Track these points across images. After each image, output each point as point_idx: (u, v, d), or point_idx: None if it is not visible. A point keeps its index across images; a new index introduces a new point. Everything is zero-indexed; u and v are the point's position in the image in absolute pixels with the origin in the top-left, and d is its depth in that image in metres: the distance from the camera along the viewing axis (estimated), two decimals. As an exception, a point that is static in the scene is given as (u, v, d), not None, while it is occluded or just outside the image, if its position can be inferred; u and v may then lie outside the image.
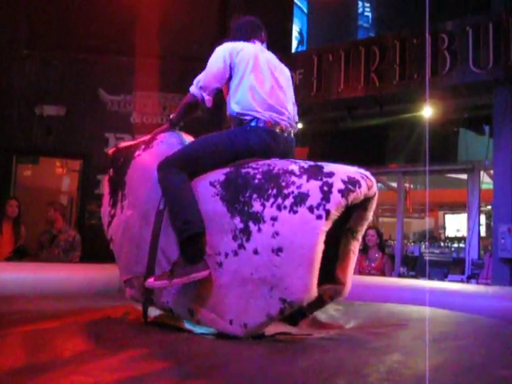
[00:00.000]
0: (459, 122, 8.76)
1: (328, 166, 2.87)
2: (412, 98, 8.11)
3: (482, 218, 9.38)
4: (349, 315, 3.75)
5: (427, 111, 8.16)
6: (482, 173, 8.72)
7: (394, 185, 10.09)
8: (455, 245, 10.52)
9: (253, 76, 3.22)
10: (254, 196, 2.86)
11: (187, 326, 3.17)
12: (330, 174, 2.77)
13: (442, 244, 10.85)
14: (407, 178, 9.94)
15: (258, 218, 2.80)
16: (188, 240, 2.89)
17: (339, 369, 2.24)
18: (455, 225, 10.84)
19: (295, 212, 2.71)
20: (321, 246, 2.66)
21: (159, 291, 3.10)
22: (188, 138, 3.48)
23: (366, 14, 16.20)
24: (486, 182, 8.65)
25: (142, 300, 3.24)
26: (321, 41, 12.23)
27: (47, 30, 9.09)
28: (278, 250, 2.70)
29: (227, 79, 3.29)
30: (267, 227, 2.76)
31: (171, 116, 3.54)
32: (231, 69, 3.26)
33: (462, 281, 7.82)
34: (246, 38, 3.42)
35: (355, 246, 3.09)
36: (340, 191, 2.69)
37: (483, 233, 9.58)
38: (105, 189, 3.65)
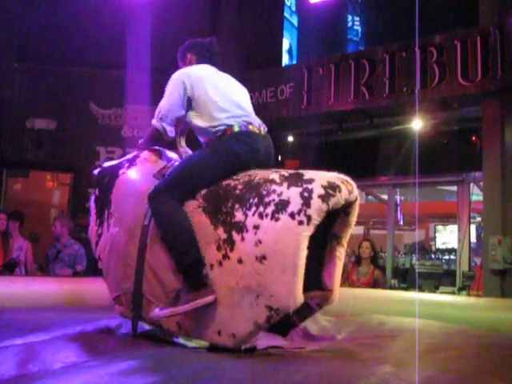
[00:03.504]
0: (449, 135, 8.81)
1: (308, 173, 2.89)
2: (402, 110, 8.17)
3: (473, 230, 9.40)
4: (340, 326, 3.74)
5: (417, 124, 8.22)
6: (471, 185, 8.76)
7: (385, 197, 10.13)
8: (446, 257, 10.54)
9: (210, 89, 3.25)
10: (236, 206, 2.88)
11: (179, 340, 3.17)
12: (310, 181, 2.79)
13: (432, 256, 10.88)
14: (397, 190, 9.99)
15: (240, 228, 2.82)
16: (188, 268, 2.89)
17: (332, 381, 2.24)
18: (446, 237, 10.87)
19: (277, 219, 2.73)
20: (304, 252, 2.66)
21: (148, 306, 3.08)
22: (171, 154, 3.50)
23: (355, 27, 16.31)
24: (476, 193, 8.69)
25: (130, 316, 3.22)
26: (311, 54, 12.28)
27: (38, 43, 9.10)
28: (261, 258, 2.71)
29: (188, 105, 3.30)
30: (250, 236, 2.78)
31: (140, 142, 3.56)
32: (189, 94, 3.27)
33: (452, 292, 7.84)
34: (201, 61, 3.48)
35: (341, 252, 3.07)
36: (320, 196, 2.70)
37: (474, 244, 9.61)
38: (91, 209, 3.64)
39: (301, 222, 2.67)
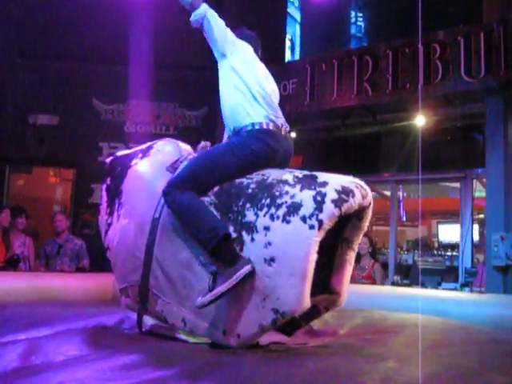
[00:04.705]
0: (452, 131, 8.79)
1: (322, 176, 2.86)
2: (405, 107, 8.15)
3: (475, 226, 9.38)
4: (343, 321, 3.75)
5: (420, 120, 8.19)
6: (474, 181, 8.74)
7: (388, 193, 10.11)
8: (448, 253, 10.52)
9: (242, 72, 3.20)
10: (248, 205, 2.85)
11: (181, 336, 3.17)
12: (324, 184, 2.77)
13: (435, 252, 10.86)
14: (400, 186, 9.97)
15: (251, 228, 2.79)
16: (217, 246, 2.82)
17: (334, 376, 2.24)
18: (448, 233, 10.84)
19: (288, 222, 2.71)
20: (313, 257, 2.65)
21: (154, 301, 3.08)
22: (184, 147, 3.46)
23: (358, 23, 16.26)
24: (479, 190, 8.67)
25: (136, 309, 3.22)
26: (314, 50, 12.26)
27: (40, 39, 9.10)
28: (270, 260, 2.69)
29: (217, 45, 3.24)
30: (260, 237, 2.76)
31: None
32: (223, 45, 3.23)
33: (455, 289, 7.82)
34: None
35: (351, 256, 3.07)
36: (333, 201, 2.68)
37: (476, 241, 9.59)
38: (102, 198, 3.61)
39: (312, 227, 2.66)
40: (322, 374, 2.29)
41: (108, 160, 3.66)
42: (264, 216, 2.78)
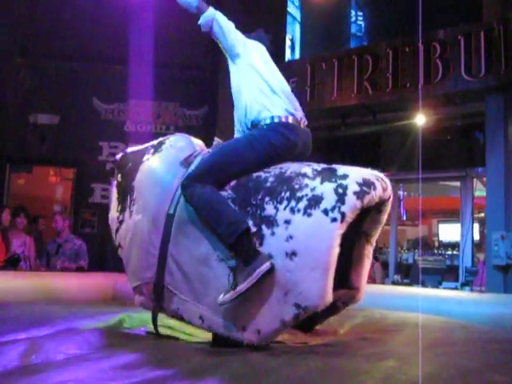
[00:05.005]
0: (452, 130, 8.79)
1: (341, 169, 2.83)
2: (405, 106, 8.16)
3: (476, 225, 9.39)
4: (343, 321, 3.75)
5: (420, 119, 8.20)
6: (475, 180, 8.75)
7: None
8: (449, 252, 10.52)
9: (260, 67, 3.19)
10: (267, 199, 2.81)
11: (183, 336, 3.17)
12: (344, 177, 2.73)
13: (435, 251, 10.87)
14: (400, 185, 9.98)
15: (271, 222, 2.75)
16: (238, 241, 2.76)
17: (334, 376, 2.24)
18: (449, 232, 10.85)
19: (309, 215, 2.67)
20: (336, 250, 2.61)
21: (169, 298, 3.02)
22: (197, 142, 3.41)
23: (358, 22, 16.25)
24: (479, 189, 8.68)
25: (151, 307, 3.16)
26: (314, 49, 12.25)
27: (41, 38, 9.10)
28: (292, 254, 2.65)
29: (227, 44, 3.22)
30: (281, 231, 2.71)
31: None
32: (235, 45, 3.21)
33: (455, 288, 7.84)
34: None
35: (369, 251, 3.03)
36: (355, 193, 2.65)
37: (477, 240, 9.60)
38: (112, 194, 3.54)
39: (334, 219, 2.62)
40: (323, 373, 2.29)
41: (118, 156, 3.56)
42: (284, 209, 2.73)
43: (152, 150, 3.36)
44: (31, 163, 9.69)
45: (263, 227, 2.76)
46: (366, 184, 2.70)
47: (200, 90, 8.92)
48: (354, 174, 2.75)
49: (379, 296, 4.96)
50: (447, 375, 2.28)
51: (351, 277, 2.98)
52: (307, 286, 2.60)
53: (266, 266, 2.65)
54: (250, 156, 3.01)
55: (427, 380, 2.10)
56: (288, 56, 12.46)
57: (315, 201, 2.68)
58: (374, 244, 3.07)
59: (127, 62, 8.66)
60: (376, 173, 2.85)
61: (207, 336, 3.11)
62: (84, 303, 4.71)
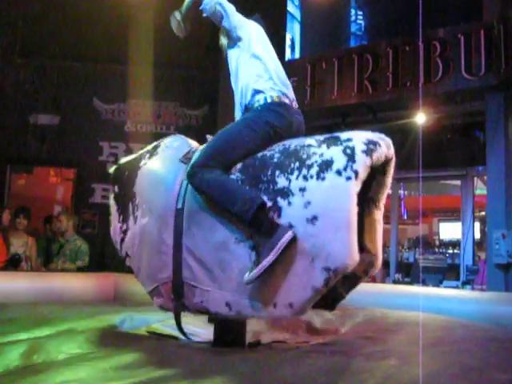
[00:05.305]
0: (452, 129, 8.79)
1: (344, 134, 2.86)
2: (405, 105, 8.14)
3: (476, 224, 9.39)
4: (344, 320, 3.75)
5: (420, 118, 8.19)
6: (475, 179, 8.75)
7: (389, 191, 10.11)
8: (450, 251, 10.53)
9: (257, 50, 3.23)
10: (277, 173, 2.81)
11: (181, 335, 3.17)
12: (349, 140, 2.76)
13: (436, 250, 10.87)
14: (401, 184, 9.98)
15: (285, 193, 2.75)
16: (255, 216, 2.75)
17: (336, 375, 2.24)
18: (450, 231, 10.85)
19: (323, 179, 2.68)
20: (355, 208, 2.62)
21: (191, 293, 2.97)
22: (192, 142, 3.42)
23: (358, 21, 16.24)
24: (480, 187, 8.68)
25: (172, 306, 3.09)
26: (314, 48, 12.25)
27: (41, 39, 9.11)
28: (313, 219, 2.64)
29: (230, 25, 3.25)
30: (297, 199, 2.71)
31: None
32: (238, 27, 3.25)
33: (456, 287, 7.83)
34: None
35: (379, 216, 3.03)
36: (363, 152, 2.68)
37: (477, 238, 9.60)
38: (112, 208, 3.48)
39: (349, 178, 2.63)
40: (324, 372, 2.29)
41: (111, 170, 3.57)
42: (297, 179, 2.74)
43: (148, 155, 3.36)
44: (32, 164, 9.69)
45: (279, 200, 2.76)
46: (371, 143, 2.74)
47: (200, 89, 8.92)
48: (358, 136, 2.79)
49: (380, 295, 4.96)
50: (448, 374, 2.29)
51: (367, 244, 2.95)
52: (333, 247, 2.59)
53: (288, 235, 2.64)
54: (249, 137, 3.03)
55: (428, 379, 2.10)
56: (288, 55, 12.46)
57: (326, 165, 2.70)
58: (382, 209, 3.06)
59: (127, 61, 8.67)
60: (377, 133, 2.88)
61: (208, 336, 3.11)
62: (85, 303, 4.71)
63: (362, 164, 2.65)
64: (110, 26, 8.55)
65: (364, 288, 5.23)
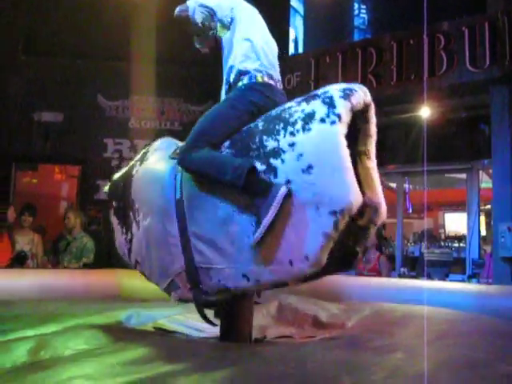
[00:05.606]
0: (457, 122, 8.76)
1: (319, 89, 2.96)
2: (409, 98, 8.12)
3: (482, 217, 9.37)
4: (350, 314, 3.75)
5: (425, 111, 8.17)
6: (480, 172, 8.73)
7: (394, 185, 10.10)
8: (455, 244, 10.51)
9: (247, 30, 3.26)
10: (265, 138, 2.89)
11: (189, 331, 3.17)
12: (326, 91, 2.87)
13: (442, 244, 10.85)
14: (406, 178, 9.96)
15: (276, 153, 2.82)
16: (247, 180, 2.80)
17: (343, 368, 2.24)
18: (455, 224, 10.83)
19: (309, 130, 2.77)
20: (346, 149, 2.69)
21: (206, 276, 2.98)
22: (179, 142, 3.47)
23: (362, 15, 16.21)
24: (486, 180, 8.65)
25: (191, 295, 3.08)
26: (317, 43, 12.23)
27: (44, 36, 9.11)
28: (308, 168, 2.71)
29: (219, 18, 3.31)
30: (289, 155, 2.78)
31: None
32: (229, 12, 3.30)
33: (462, 280, 7.82)
34: None
35: (372, 164, 3.07)
36: (342, 97, 2.79)
37: (483, 232, 9.58)
38: (113, 223, 3.57)
39: (333, 122, 2.73)
40: (332, 366, 2.29)
41: (105, 189, 3.71)
42: (284, 137, 2.83)
43: (139, 162, 3.45)
44: (36, 161, 9.70)
45: (271, 161, 2.83)
46: (347, 89, 2.86)
47: (204, 85, 8.90)
48: (333, 87, 2.90)
49: (386, 289, 4.96)
50: (455, 367, 2.29)
51: (367, 195, 2.96)
52: (333, 189, 2.65)
53: (282, 191, 2.70)
54: (233, 115, 3.09)
55: (435, 372, 2.10)
56: (292, 50, 12.45)
57: (309, 117, 2.80)
58: (374, 159, 3.09)
59: (131, 58, 8.66)
60: (351, 83, 2.98)
61: (215, 331, 3.12)
62: (91, 300, 4.72)
63: (343, 107, 2.77)
64: (114, 23, 8.53)
65: (370, 282, 5.25)
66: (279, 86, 3.26)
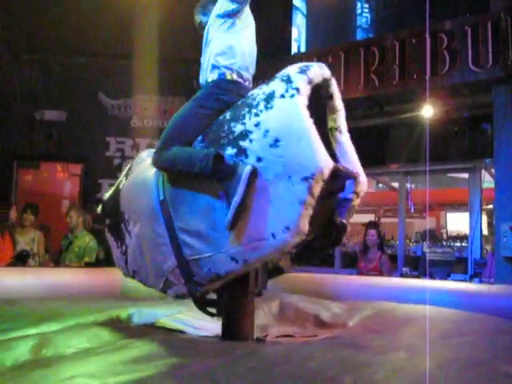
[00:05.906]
0: (459, 121, 8.75)
1: (278, 73, 3.06)
2: (412, 97, 8.11)
3: (484, 217, 9.36)
4: (352, 313, 3.75)
5: (427, 111, 8.16)
6: (483, 171, 8.71)
7: (396, 185, 10.09)
8: (457, 244, 10.49)
9: (236, 23, 3.32)
10: (232, 124, 3.00)
11: (190, 330, 3.17)
12: (283, 72, 3.01)
13: (444, 243, 10.84)
14: (408, 177, 9.95)
15: (244, 135, 2.92)
16: (214, 167, 2.90)
17: (345, 368, 2.24)
18: (457, 224, 10.82)
19: (271, 107, 2.89)
20: (308, 118, 2.79)
21: (197, 267, 3.01)
22: None
23: (364, 14, 16.20)
24: (488, 180, 8.64)
25: (187, 290, 3.12)
26: (320, 42, 12.23)
27: (47, 34, 9.10)
28: (275, 142, 2.80)
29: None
30: (256, 134, 2.88)
31: None
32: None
33: (464, 280, 7.81)
34: None
35: (346, 138, 3.22)
36: (298, 73, 2.95)
37: (485, 232, 9.57)
38: (109, 239, 3.66)
39: (292, 96, 2.85)
40: (333, 365, 2.29)
41: (98, 209, 3.77)
42: (250, 119, 2.93)
43: (124, 177, 3.60)
44: (38, 159, 9.70)
45: (241, 143, 2.93)
46: (303, 66, 3.04)
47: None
48: (290, 67, 3.06)
49: (388, 289, 4.96)
50: (457, 366, 2.28)
51: (345, 166, 3.09)
52: (302, 156, 2.74)
53: (246, 170, 2.80)
54: (201, 114, 3.20)
55: (437, 371, 2.10)
56: (294, 49, 12.44)
57: (270, 96, 2.93)
58: (347, 133, 3.24)
59: (133, 56, 8.66)
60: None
61: (216, 330, 3.12)
62: (93, 298, 4.72)
63: (300, 81, 2.91)
64: (116, 21, 8.53)
65: (372, 282, 5.25)
66: (248, 84, 3.34)
